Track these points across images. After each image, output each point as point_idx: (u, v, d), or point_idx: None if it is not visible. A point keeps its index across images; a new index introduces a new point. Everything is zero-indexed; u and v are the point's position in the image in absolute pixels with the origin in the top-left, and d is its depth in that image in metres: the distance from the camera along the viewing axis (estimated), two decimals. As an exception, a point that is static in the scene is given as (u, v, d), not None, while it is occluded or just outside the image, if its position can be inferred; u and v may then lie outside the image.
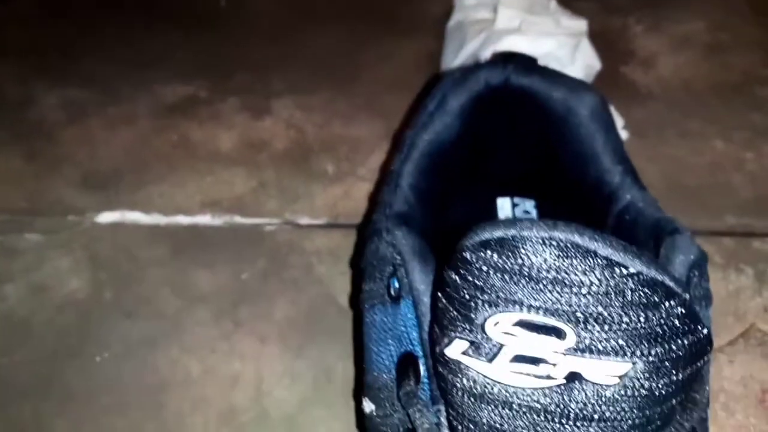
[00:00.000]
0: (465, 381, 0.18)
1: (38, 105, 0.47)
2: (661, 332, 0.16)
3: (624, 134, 0.43)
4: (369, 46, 0.52)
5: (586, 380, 0.16)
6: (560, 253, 0.15)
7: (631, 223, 0.25)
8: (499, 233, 0.15)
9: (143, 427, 0.31)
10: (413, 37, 0.52)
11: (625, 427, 0.17)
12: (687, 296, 0.16)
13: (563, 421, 0.17)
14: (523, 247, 0.15)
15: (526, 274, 0.15)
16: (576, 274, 0.15)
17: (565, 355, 0.16)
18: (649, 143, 0.44)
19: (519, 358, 0.17)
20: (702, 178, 0.42)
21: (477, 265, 0.16)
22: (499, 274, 0.16)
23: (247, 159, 0.43)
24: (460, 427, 0.18)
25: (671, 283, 0.15)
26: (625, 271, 0.15)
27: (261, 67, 0.50)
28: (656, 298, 0.15)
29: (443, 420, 0.19)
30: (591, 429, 0.17)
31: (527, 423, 0.17)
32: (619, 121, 0.43)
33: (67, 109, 0.46)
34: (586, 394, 0.16)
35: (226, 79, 0.48)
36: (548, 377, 0.16)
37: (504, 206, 0.31)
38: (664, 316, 0.15)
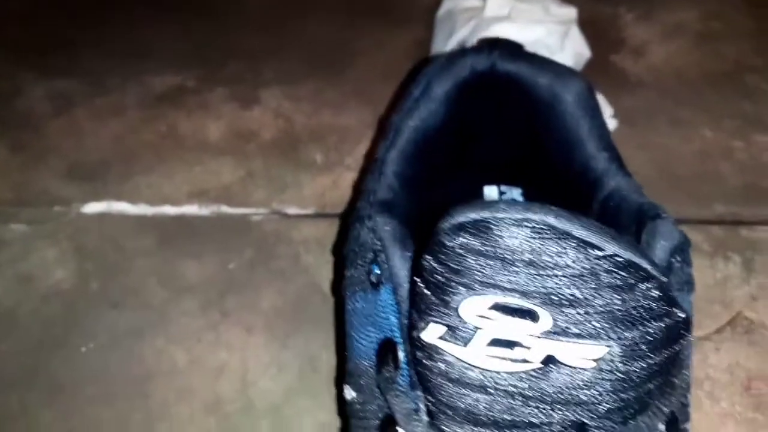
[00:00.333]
0: (442, 365, 0.17)
1: (25, 96, 0.47)
2: (636, 315, 0.15)
3: (613, 122, 0.43)
4: (360, 35, 0.51)
5: (562, 364, 0.16)
6: (534, 235, 0.15)
7: (615, 209, 0.25)
8: (474, 216, 0.15)
9: (129, 417, 0.31)
10: (404, 26, 0.52)
11: (602, 410, 0.17)
12: (664, 279, 0.16)
13: (540, 405, 0.17)
14: (497, 230, 0.15)
15: (501, 256, 0.15)
16: (550, 256, 0.15)
17: (540, 338, 0.16)
18: (638, 131, 0.43)
19: (495, 342, 0.16)
20: (691, 166, 0.42)
21: (452, 249, 0.16)
22: (474, 257, 0.16)
23: (235, 149, 0.42)
24: (438, 412, 0.18)
25: (648, 266, 0.15)
26: (600, 253, 0.15)
27: (250, 56, 0.49)
28: (632, 281, 0.15)
29: (422, 405, 0.19)
30: (568, 413, 0.17)
31: (504, 407, 0.17)
32: (608, 110, 0.43)
33: (54, 101, 0.46)
34: (562, 377, 0.16)
35: (215, 69, 0.48)
36: (524, 361, 0.16)
37: (491, 195, 0.31)
38: (639, 298, 0.15)
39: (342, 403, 0.23)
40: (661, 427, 0.19)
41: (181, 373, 0.32)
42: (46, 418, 0.31)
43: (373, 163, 0.27)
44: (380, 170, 0.26)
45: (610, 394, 0.17)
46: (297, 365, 0.32)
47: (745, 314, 0.34)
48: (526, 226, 0.15)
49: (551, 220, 0.15)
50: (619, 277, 0.15)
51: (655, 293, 0.16)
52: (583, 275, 0.15)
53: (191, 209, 0.39)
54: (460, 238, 0.16)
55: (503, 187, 0.31)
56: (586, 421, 0.18)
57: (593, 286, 0.15)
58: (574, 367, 0.16)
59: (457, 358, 0.17)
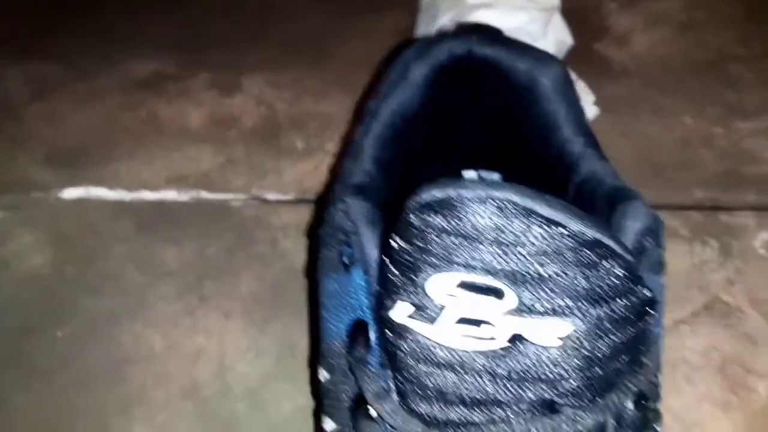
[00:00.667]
0: (410, 344, 0.17)
1: (3, 82, 0.46)
2: (601, 292, 0.16)
3: (595, 110, 0.43)
4: (342, 23, 0.51)
5: (528, 341, 0.16)
6: (499, 213, 0.15)
7: (591, 192, 0.25)
8: (439, 194, 0.15)
9: (105, 401, 0.31)
10: (387, 13, 0.52)
11: (570, 388, 0.17)
12: (630, 257, 0.16)
13: (508, 383, 0.17)
14: (462, 207, 0.15)
15: (466, 234, 0.15)
16: (515, 234, 0.15)
17: (506, 316, 0.16)
18: (620, 119, 0.44)
19: (462, 321, 0.16)
20: (672, 153, 0.42)
21: (418, 227, 0.16)
22: (439, 235, 0.16)
23: (215, 136, 0.42)
24: (407, 391, 0.18)
25: (612, 244, 0.15)
26: (564, 231, 0.15)
27: (233, 43, 0.49)
28: (596, 258, 0.15)
29: (392, 385, 0.19)
30: (536, 390, 0.17)
31: (472, 385, 0.17)
32: (589, 97, 0.43)
33: (33, 86, 0.46)
34: (528, 355, 0.16)
35: (197, 56, 0.48)
36: (491, 339, 0.16)
37: (469, 179, 0.31)
38: (604, 276, 0.15)
39: (316, 385, 0.23)
40: (630, 404, 0.19)
41: (159, 358, 0.32)
42: (21, 403, 0.31)
43: (350, 146, 0.27)
44: (357, 154, 0.26)
45: (577, 371, 0.17)
46: (275, 350, 0.32)
47: (721, 298, 0.35)
48: (491, 204, 0.15)
49: (515, 197, 0.15)
50: (583, 254, 0.15)
51: (620, 271, 0.16)
52: (547, 252, 0.15)
53: (170, 195, 0.39)
54: (426, 217, 0.16)
55: (482, 172, 0.31)
56: (554, 398, 0.18)
57: (558, 263, 0.15)
58: (541, 345, 0.16)
59: (425, 336, 0.17)
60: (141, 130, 0.42)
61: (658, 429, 0.21)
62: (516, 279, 0.15)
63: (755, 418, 0.31)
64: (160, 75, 0.46)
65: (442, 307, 0.16)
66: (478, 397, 0.17)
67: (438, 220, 0.15)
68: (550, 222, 0.15)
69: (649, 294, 0.17)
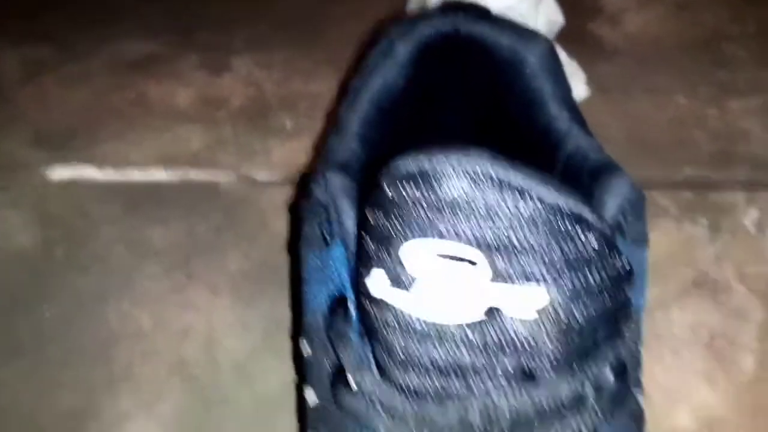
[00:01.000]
0: (387, 316, 0.17)
1: (-9, 62, 0.46)
2: (575, 262, 0.15)
3: (586, 90, 0.43)
4: (333, 2, 0.51)
5: (504, 312, 0.16)
6: (472, 182, 0.15)
7: (577, 168, 0.25)
8: (413, 164, 0.15)
9: (92, 378, 0.31)
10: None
11: (547, 357, 0.17)
12: (606, 228, 0.16)
13: (484, 352, 0.17)
14: (436, 177, 0.15)
15: (440, 204, 0.15)
16: (488, 203, 0.15)
17: (481, 286, 0.16)
18: (612, 99, 0.43)
19: (437, 291, 0.16)
20: (664, 133, 0.42)
21: (393, 198, 0.16)
22: (414, 206, 0.16)
23: (204, 116, 0.42)
24: (385, 362, 0.18)
25: (588, 214, 0.15)
26: (537, 200, 0.15)
27: (222, 23, 0.49)
28: (570, 228, 0.15)
29: (371, 356, 0.19)
30: (513, 359, 0.17)
31: (449, 355, 0.17)
32: (581, 76, 0.43)
33: (22, 67, 0.45)
34: (504, 325, 0.16)
35: (186, 36, 0.47)
36: (467, 309, 0.16)
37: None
38: (578, 245, 0.15)
39: (299, 359, 0.23)
40: (609, 374, 0.19)
41: (146, 336, 0.32)
42: (8, 381, 0.31)
43: (335, 122, 0.27)
44: (341, 132, 0.26)
45: (554, 340, 0.17)
46: (262, 326, 0.32)
47: (710, 274, 0.35)
48: (465, 174, 0.15)
49: (489, 168, 0.15)
50: (557, 224, 0.15)
51: (595, 241, 0.15)
52: (521, 222, 0.15)
53: (158, 175, 0.39)
54: (400, 188, 0.15)
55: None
56: (532, 368, 0.18)
57: (532, 233, 0.15)
58: (517, 314, 0.16)
59: (401, 307, 0.17)
60: (130, 111, 0.42)
61: (638, 400, 0.22)
62: (491, 249, 0.15)
63: (741, 392, 0.31)
64: (149, 56, 0.46)
65: (417, 277, 0.16)
66: (455, 367, 0.17)
67: (412, 192, 0.15)
68: (524, 192, 0.15)
69: (626, 264, 0.16)
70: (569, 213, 0.15)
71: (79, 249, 0.36)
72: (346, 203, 0.20)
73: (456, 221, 0.15)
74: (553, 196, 0.15)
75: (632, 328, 0.19)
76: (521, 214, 0.15)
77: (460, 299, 0.16)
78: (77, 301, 0.33)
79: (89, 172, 0.39)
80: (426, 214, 0.15)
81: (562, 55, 0.44)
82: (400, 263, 0.16)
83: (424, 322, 0.17)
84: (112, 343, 0.32)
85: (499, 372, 0.18)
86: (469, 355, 0.17)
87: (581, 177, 0.25)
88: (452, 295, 0.16)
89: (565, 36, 0.46)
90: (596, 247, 0.16)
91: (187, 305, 0.33)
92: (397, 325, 0.17)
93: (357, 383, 0.19)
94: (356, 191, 0.21)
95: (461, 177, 0.15)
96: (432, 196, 0.15)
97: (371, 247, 0.17)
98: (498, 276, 0.16)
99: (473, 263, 0.16)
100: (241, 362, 0.31)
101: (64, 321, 0.33)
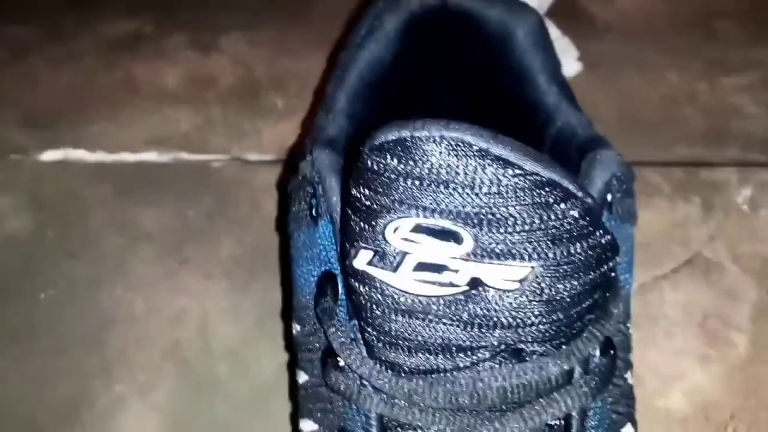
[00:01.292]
0: (373, 292, 0.17)
1: (-22, 44, 0.45)
2: (557, 234, 0.15)
3: (578, 66, 0.43)
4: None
5: (487, 286, 0.16)
6: (452, 152, 0.15)
7: (566, 143, 0.25)
8: (393, 135, 0.15)
9: (86, 363, 0.31)
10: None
11: (533, 333, 0.17)
12: (588, 200, 0.15)
13: (469, 328, 0.17)
14: (416, 148, 0.15)
15: (421, 175, 0.15)
16: (468, 174, 0.15)
17: (465, 260, 0.16)
18: (604, 76, 0.43)
19: (422, 266, 0.16)
20: (655, 110, 0.41)
21: (374, 170, 0.15)
22: (395, 178, 0.15)
23: (193, 96, 0.42)
24: (373, 340, 0.18)
25: (569, 185, 0.15)
26: (518, 171, 0.15)
27: (209, 1, 0.48)
28: (551, 199, 0.15)
29: (358, 335, 0.19)
30: (499, 336, 0.17)
31: (436, 332, 0.17)
32: (573, 53, 0.43)
33: (8, 48, 0.45)
34: (488, 300, 0.16)
35: (172, 15, 0.47)
36: (451, 284, 0.16)
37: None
38: (559, 217, 0.15)
39: (290, 338, 0.23)
40: (597, 352, 0.19)
41: (140, 320, 0.32)
42: (1, 366, 0.30)
43: (323, 99, 0.27)
44: (329, 108, 0.26)
45: (539, 315, 0.17)
46: (256, 311, 0.32)
47: (703, 254, 0.35)
48: (444, 144, 0.15)
49: (468, 137, 0.14)
50: (538, 195, 0.15)
51: (577, 213, 0.15)
52: (501, 193, 0.15)
53: (149, 156, 0.38)
54: (382, 160, 0.15)
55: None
56: (519, 345, 0.18)
57: (512, 204, 0.15)
58: (500, 289, 0.16)
59: (386, 284, 0.17)
60: (118, 92, 0.42)
61: (627, 378, 0.22)
62: (472, 221, 0.15)
63: (734, 372, 0.31)
64: (135, 35, 0.45)
65: (402, 253, 0.16)
66: (441, 343, 0.17)
67: (393, 163, 0.15)
68: (505, 162, 0.15)
69: (609, 239, 0.16)
70: (551, 184, 0.15)
71: (70, 231, 0.35)
72: (333, 179, 0.20)
73: (438, 192, 0.15)
74: (534, 166, 0.15)
75: (620, 307, 0.19)
76: (502, 184, 0.15)
77: (444, 275, 0.16)
78: (69, 284, 0.33)
79: (79, 155, 0.38)
80: (408, 185, 0.15)
81: (555, 31, 0.44)
82: (385, 240, 0.16)
83: (409, 297, 0.17)
84: (106, 327, 0.32)
85: (486, 348, 0.17)
86: (455, 331, 0.17)
87: (569, 152, 0.25)
88: (436, 270, 0.16)
89: (558, 12, 0.45)
90: (579, 218, 0.16)
91: (181, 290, 0.33)
92: (382, 302, 0.17)
93: (346, 362, 0.19)
94: (341, 164, 0.21)
95: (442, 146, 0.15)
96: (413, 166, 0.15)
97: (355, 222, 0.17)
98: (479, 250, 0.16)
99: (456, 237, 0.15)
100: (234, 347, 0.31)
101: (57, 305, 0.32)
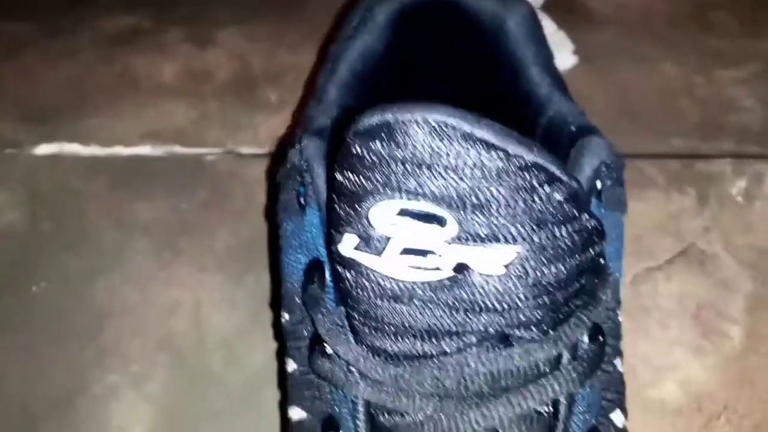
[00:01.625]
0: (359, 278, 0.17)
1: (-26, 39, 0.45)
2: (542, 217, 0.15)
3: (574, 60, 0.43)
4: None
5: (473, 270, 0.16)
6: (435, 135, 0.15)
7: (557, 133, 0.25)
8: (377, 118, 0.15)
9: (81, 354, 0.31)
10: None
11: (520, 318, 0.17)
12: (573, 183, 0.15)
13: (456, 313, 0.17)
14: (399, 131, 0.15)
15: (404, 158, 0.15)
16: (451, 156, 0.15)
17: (450, 244, 0.16)
18: (600, 68, 0.43)
19: (407, 251, 0.16)
20: (651, 103, 0.41)
21: (359, 154, 0.15)
22: (379, 161, 0.15)
23: (189, 90, 0.42)
24: (360, 326, 0.18)
25: (553, 168, 0.15)
26: (502, 154, 0.15)
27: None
28: (536, 182, 0.15)
29: (345, 321, 0.19)
30: (486, 321, 0.17)
31: (422, 317, 0.17)
32: (569, 46, 0.43)
33: (5, 44, 0.45)
34: (474, 284, 0.16)
35: (170, 9, 0.47)
36: (436, 269, 0.16)
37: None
38: (544, 200, 0.15)
39: (279, 326, 0.23)
40: (585, 338, 0.19)
41: (134, 312, 0.32)
42: (-3, 357, 0.31)
43: (314, 90, 0.27)
44: (320, 99, 0.26)
45: (525, 300, 0.17)
46: (250, 302, 0.32)
47: (697, 245, 0.35)
48: (428, 126, 0.15)
49: (452, 120, 0.14)
50: (522, 178, 0.15)
51: (561, 196, 0.15)
52: (485, 176, 0.15)
53: (144, 150, 0.38)
54: (366, 143, 0.15)
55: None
56: (506, 330, 0.18)
57: (496, 187, 0.15)
58: (485, 273, 0.16)
59: (372, 269, 0.17)
60: (114, 86, 0.42)
61: (617, 366, 0.22)
62: (455, 204, 0.15)
63: (728, 363, 0.31)
64: (132, 29, 0.45)
65: (386, 238, 0.16)
66: (427, 328, 0.17)
67: (377, 146, 0.15)
68: (488, 145, 0.15)
69: (595, 223, 0.16)
70: (535, 167, 0.15)
71: (66, 225, 0.35)
72: (320, 167, 0.20)
73: (421, 175, 0.15)
74: (518, 149, 0.15)
75: (609, 294, 0.19)
76: (485, 167, 0.15)
77: (429, 260, 0.16)
78: (65, 276, 0.33)
79: (75, 148, 0.39)
80: (392, 168, 0.15)
81: (551, 24, 0.44)
82: (370, 225, 0.16)
83: (394, 282, 0.17)
84: (101, 318, 0.32)
85: (473, 334, 0.17)
86: (441, 316, 0.17)
87: (561, 141, 0.25)
88: (421, 255, 0.16)
89: (554, 5, 0.45)
90: (563, 202, 0.16)
91: (175, 282, 0.33)
92: (368, 287, 0.17)
93: (333, 348, 0.19)
94: (328, 152, 0.21)
95: (425, 128, 0.15)
96: (396, 149, 0.15)
97: (340, 207, 0.17)
98: (464, 233, 0.16)
99: (440, 221, 0.15)
100: (228, 339, 0.31)
101: (52, 297, 0.33)
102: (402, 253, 0.16)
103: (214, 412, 0.29)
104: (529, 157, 0.15)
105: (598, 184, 0.20)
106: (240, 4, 0.47)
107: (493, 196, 0.15)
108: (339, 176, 0.16)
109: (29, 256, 0.34)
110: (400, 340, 0.18)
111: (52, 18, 0.46)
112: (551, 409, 0.19)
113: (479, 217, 0.15)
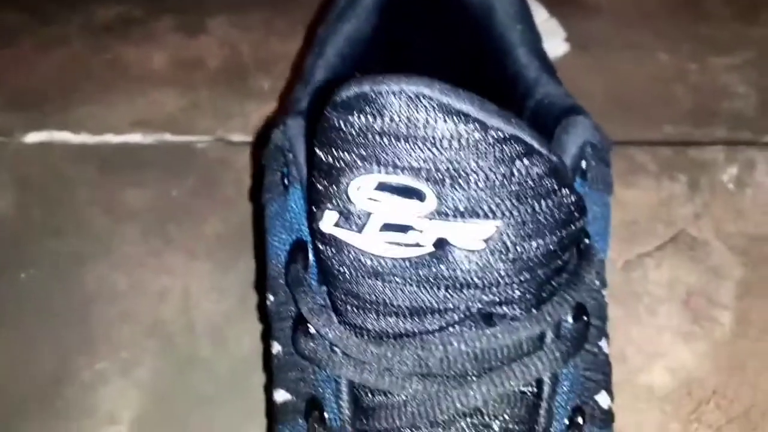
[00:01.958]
0: (340, 255, 0.17)
1: (-35, 28, 0.45)
2: (521, 191, 0.15)
3: (566, 47, 0.42)
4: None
5: (453, 245, 0.16)
6: (412, 106, 0.14)
7: (544, 115, 0.25)
8: (356, 89, 0.15)
9: (69, 340, 0.31)
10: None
11: (502, 295, 0.17)
12: (554, 158, 0.15)
13: (437, 290, 0.17)
14: (376, 102, 0.15)
15: (381, 129, 0.15)
16: (428, 128, 0.14)
17: (430, 219, 0.16)
18: (592, 56, 0.43)
19: (387, 227, 0.16)
20: (644, 90, 0.41)
21: (337, 127, 0.15)
22: (358, 133, 0.15)
23: (180, 78, 0.41)
24: (342, 305, 0.18)
25: (532, 141, 0.15)
26: (479, 125, 0.15)
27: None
28: (514, 155, 0.15)
29: (328, 300, 0.19)
30: (467, 297, 0.17)
31: (404, 294, 0.17)
32: (561, 34, 0.42)
33: (-4, 32, 0.45)
34: (455, 260, 0.16)
35: (162, -1, 0.46)
36: (417, 245, 0.16)
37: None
38: (522, 174, 0.15)
39: (264, 308, 0.23)
40: (569, 318, 0.19)
41: (123, 298, 0.32)
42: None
43: (301, 72, 0.26)
44: (306, 81, 0.26)
45: (505, 276, 0.17)
46: (239, 289, 0.32)
47: (688, 232, 0.34)
48: (404, 97, 0.14)
49: (428, 90, 0.14)
50: (501, 150, 0.15)
51: (540, 169, 0.15)
52: (462, 148, 0.15)
53: (134, 138, 0.38)
54: (342, 115, 0.15)
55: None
56: (488, 308, 0.18)
57: (474, 159, 0.15)
58: (466, 248, 0.16)
59: (352, 246, 0.17)
60: (104, 74, 0.42)
61: (602, 347, 0.22)
62: (434, 178, 0.15)
63: (717, 349, 0.31)
64: (124, 18, 0.45)
65: (366, 213, 0.16)
66: (409, 306, 0.17)
67: (354, 118, 0.15)
68: (465, 116, 0.15)
69: (576, 198, 0.16)
70: (513, 139, 0.15)
71: (55, 212, 0.35)
72: (303, 146, 0.20)
73: (399, 147, 0.15)
74: (495, 121, 0.15)
75: (594, 274, 0.19)
76: (462, 139, 0.15)
77: (409, 235, 0.16)
78: (54, 263, 0.33)
79: (64, 136, 0.38)
80: (369, 139, 0.15)
81: (543, 12, 0.43)
82: (349, 200, 0.16)
83: (375, 259, 0.17)
84: (89, 305, 0.32)
85: (455, 311, 0.17)
86: (422, 293, 0.17)
87: (548, 123, 0.24)
88: (401, 231, 0.16)
89: (548, -6, 0.45)
90: (543, 175, 0.15)
91: (164, 269, 0.33)
92: (349, 264, 0.17)
93: (315, 327, 0.19)
94: (308, 130, 0.21)
95: (402, 99, 0.15)
96: (373, 120, 0.15)
97: (320, 183, 0.17)
98: (443, 208, 0.16)
99: (419, 195, 0.15)
100: (217, 325, 0.31)
101: (41, 283, 0.32)
102: (382, 229, 0.16)
103: (203, 397, 0.29)
104: (508, 129, 0.15)
105: (583, 164, 0.20)
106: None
107: (471, 169, 0.15)
108: (318, 151, 0.16)
109: (18, 242, 0.34)
110: (382, 318, 0.18)
111: (42, 6, 0.46)
112: (535, 389, 0.19)
113: (458, 191, 0.15)
